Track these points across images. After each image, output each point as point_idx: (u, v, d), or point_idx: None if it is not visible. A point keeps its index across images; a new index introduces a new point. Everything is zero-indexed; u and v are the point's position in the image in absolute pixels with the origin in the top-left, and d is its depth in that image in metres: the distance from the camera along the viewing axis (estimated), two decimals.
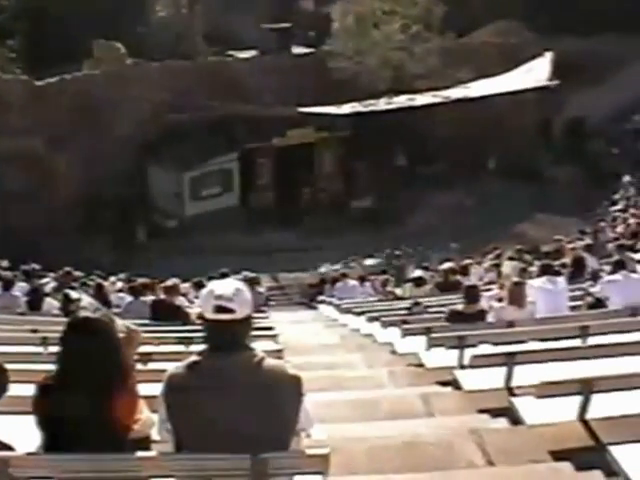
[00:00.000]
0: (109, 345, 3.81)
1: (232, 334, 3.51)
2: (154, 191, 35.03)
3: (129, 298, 12.32)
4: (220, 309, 3.48)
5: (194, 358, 3.54)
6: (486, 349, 7.60)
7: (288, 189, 36.12)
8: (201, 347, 3.63)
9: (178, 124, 33.54)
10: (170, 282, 11.75)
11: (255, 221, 34.11)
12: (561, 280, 10.69)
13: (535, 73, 34.64)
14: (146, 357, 6.91)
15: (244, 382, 3.47)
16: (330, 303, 19.31)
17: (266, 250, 31.67)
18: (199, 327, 3.69)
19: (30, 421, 3.83)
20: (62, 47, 33.32)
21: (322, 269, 29.65)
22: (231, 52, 38.98)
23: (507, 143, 36.46)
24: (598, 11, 36.71)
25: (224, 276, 14.47)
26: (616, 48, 35.95)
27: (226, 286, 3.55)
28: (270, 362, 3.55)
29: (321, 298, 22.02)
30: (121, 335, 4.40)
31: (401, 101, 35.03)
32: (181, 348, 8.34)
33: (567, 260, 15.86)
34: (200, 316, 3.64)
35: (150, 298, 12.08)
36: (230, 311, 3.49)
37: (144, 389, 4.15)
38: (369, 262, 28.97)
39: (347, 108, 34.08)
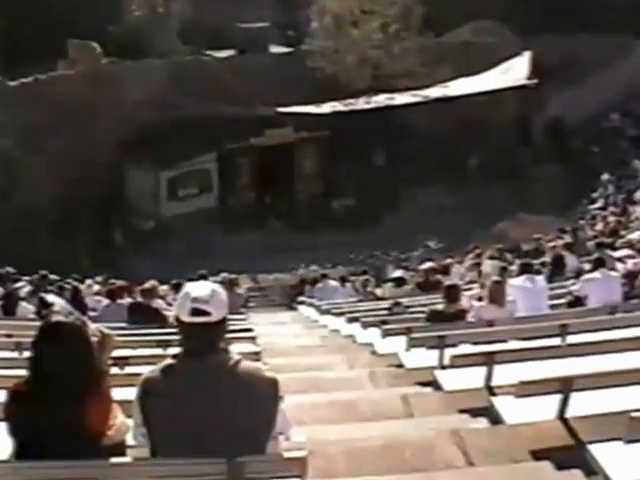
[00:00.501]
0: (81, 350, 3.78)
1: (208, 337, 3.51)
2: (131, 192, 34.85)
3: (106, 301, 12.24)
4: (196, 312, 3.47)
5: (169, 361, 3.53)
6: (466, 349, 7.62)
7: (267, 190, 36.09)
8: (177, 350, 3.61)
9: (155, 124, 33.36)
10: (148, 284, 11.69)
11: (234, 222, 34.03)
12: (540, 279, 10.75)
13: (514, 72, 34.79)
14: (122, 361, 6.86)
15: (220, 385, 3.46)
16: (310, 304, 19.30)
17: (245, 251, 31.61)
18: (177, 330, 3.67)
19: (2, 428, 3.79)
20: (36, 47, 33.07)
21: (301, 270, 29.66)
22: (208, 51, 38.87)
23: (487, 142, 36.60)
24: (577, 10, 36.96)
25: (202, 278, 14.45)
26: (595, 47, 36.18)
27: (202, 288, 3.54)
28: (246, 364, 3.55)
29: (301, 299, 22.00)
30: (94, 339, 4.36)
31: (380, 100, 35.09)
32: (159, 351, 8.30)
33: (547, 259, 15.96)
34: (176, 319, 3.62)
35: (127, 301, 12.01)
36: (206, 314, 3.48)
37: (120, 393, 4.11)
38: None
39: (326, 108, 34.09)
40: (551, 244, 17.93)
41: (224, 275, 17.34)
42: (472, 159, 37.73)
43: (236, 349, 8.28)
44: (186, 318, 3.49)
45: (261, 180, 36.08)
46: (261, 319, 17.07)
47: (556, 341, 7.87)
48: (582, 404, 5.52)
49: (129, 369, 6.70)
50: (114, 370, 6.24)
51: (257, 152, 35.68)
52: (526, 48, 35.18)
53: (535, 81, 33.66)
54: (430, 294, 13.61)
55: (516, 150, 37.96)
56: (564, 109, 37.73)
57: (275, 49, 39.56)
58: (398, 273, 18.17)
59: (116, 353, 6.41)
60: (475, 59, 35.97)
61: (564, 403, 5.56)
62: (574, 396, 5.52)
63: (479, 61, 35.62)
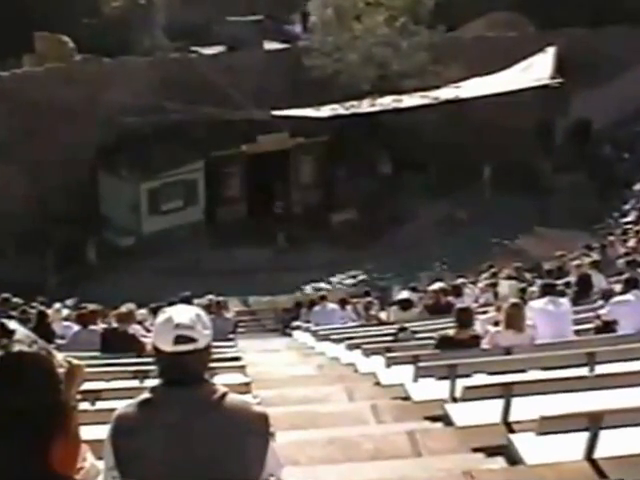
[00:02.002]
0: (45, 384, 3.71)
1: (192, 366, 3.47)
2: (107, 204, 34.86)
3: (76, 327, 12.20)
4: (182, 339, 3.44)
5: (146, 395, 3.47)
6: (481, 379, 7.58)
7: (260, 202, 36.11)
8: (156, 382, 3.57)
9: (135, 129, 33.42)
10: (124, 308, 11.66)
11: (223, 238, 34.00)
12: (565, 301, 10.71)
13: (535, 71, 34.92)
14: (94, 395, 6.81)
15: (204, 422, 3.41)
16: (306, 329, 19.28)
17: (235, 271, 31.54)
18: (155, 360, 3.63)
19: None
20: None
21: (296, 292, 29.70)
22: (195, 48, 39.02)
23: (504, 149, 36.64)
24: (606, 0, 37.04)
25: (186, 301, 14.40)
26: (626, 42, 36.26)
27: (184, 313, 3.51)
28: (233, 398, 3.50)
29: (296, 324, 21.98)
30: (61, 371, 4.31)
31: (386, 102, 35.18)
32: (135, 384, 8.25)
33: (571, 279, 15.95)
34: (155, 349, 3.57)
35: (101, 327, 11.97)
36: (192, 340, 3.45)
37: (90, 432, 4.06)
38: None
39: (326, 110, 34.16)
40: (576, 262, 17.92)
41: (211, 297, 17.35)
42: (487, 167, 37.77)
43: (223, 380, 8.22)
44: (169, 347, 3.45)
45: (253, 191, 36.09)
46: (251, 346, 17.06)
47: (582, 371, 7.82)
48: (612, 443, 5.46)
49: (101, 404, 6.65)
50: (84, 405, 6.19)
51: (249, 160, 35.71)
52: (549, 43, 35.31)
53: (559, 80, 33.79)
54: (440, 318, 13.60)
55: (536, 157, 38.04)
56: (591, 111, 37.82)
57: (269, 45, 39.70)
58: (404, 294, 18.16)
59: (87, 386, 6.37)
60: (491, 56, 36.08)
61: (592, 442, 5.50)
62: (603, 434, 5.47)
63: (496, 58, 35.72)
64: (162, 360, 3.50)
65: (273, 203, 36.78)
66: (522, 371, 7.82)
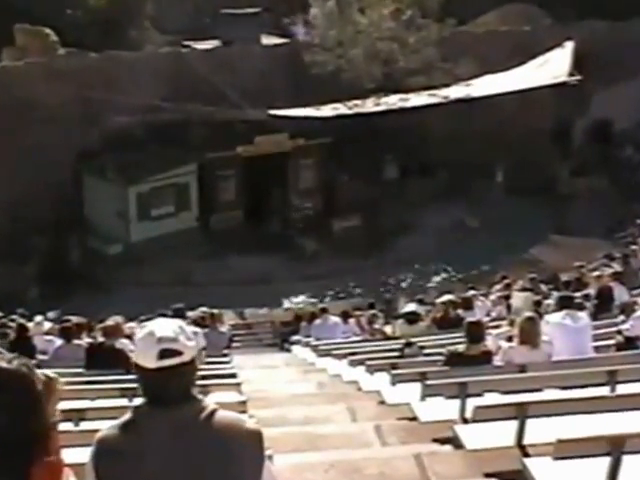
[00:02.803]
0: (26, 402, 3.70)
1: (180, 382, 3.46)
2: (93, 210, 34.84)
3: (59, 342, 12.18)
4: (166, 353, 3.43)
5: (129, 416, 3.47)
6: (493, 399, 7.57)
7: (257, 207, 36.11)
8: (140, 401, 3.56)
9: (123, 128, 33.47)
10: (111, 321, 11.65)
11: (217, 246, 34.01)
12: (583, 315, 10.68)
13: (552, 67, 34.89)
14: (78, 414, 6.79)
15: (192, 442, 3.40)
16: (306, 344, 19.28)
17: (230, 281, 31.52)
18: (138, 378, 3.61)
19: None
20: None
21: (294, 303, 29.68)
22: (188, 42, 39.05)
23: (518, 151, 36.68)
24: None
25: (178, 314, 14.40)
26: None
27: (165, 326, 3.50)
28: (223, 415, 3.48)
29: (296, 338, 21.98)
30: (40, 387, 4.29)
31: (392, 102, 35.19)
32: (123, 402, 8.23)
33: (591, 291, 15.94)
34: (136, 366, 3.56)
35: (86, 341, 11.95)
36: (177, 354, 3.44)
37: (73, 455, 4.05)
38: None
39: (328, 110, 34.17)
40: (596, 273, 17.89)
41: (204, 309, 17.31)
42: (500, 171, 37.79)
43: (217, 398, 8.21)
44: (153, 363, 3.44)
45: (250, 196, 36.09)
46: (248, 362, 17.04)
47: (603, 391, 7.81)
48: (636, 469, 5.44)
49: (85, 424, 6.63)
50: (67, 426, 6.17)
51: (245, 163, 35.72)
52: (567, 37, 35.31)
53: (577, 77, 33.76)
54: (449, 332, 13.62)
55: (553, 160, 38.05)
56: (612, 110, 37.83)
57: (267, 40, 39.75)
58: (411, 307, 18.09)
59: (71, 405, 6.34)
60: (504, 52, 36.12)
61: (614, 468, 5.47)
62: (626, 459, 5.44)
63: (509, 54, 35.75)
64: (145, 378, 3.49)
65: (270, 210, 36.75)
66: (537, 390, 7.80)
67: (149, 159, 33.47)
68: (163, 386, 3.45)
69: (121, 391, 8.82)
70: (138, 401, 3.61)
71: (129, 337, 13.30)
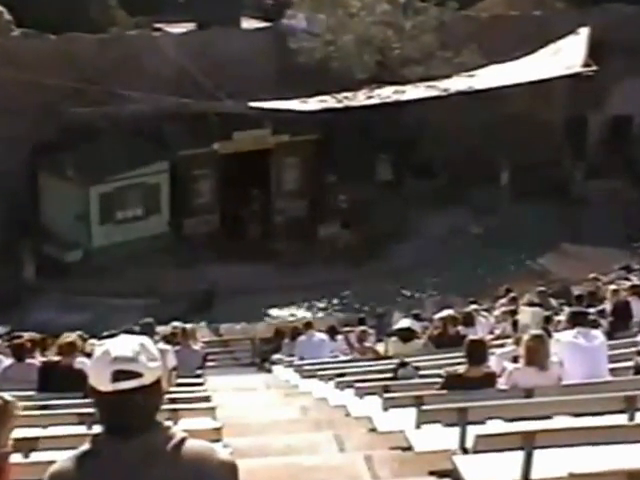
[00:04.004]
0: None
1: (139, 408, 3.43)
2: (49, 212, 34.74)
3: (8, 361, 12.10)
4: (121, 375, 3.39)
5: (87, 446, 3.44)
6: (496, 427, 7.56)
7: (235, 211, 36.09)
8: (97, 430, 3.52)
9: (84, 121, 33.34)
10: (69, 338, 11.56)
11: (191, 254, 33.98)
12: (598, 334, 10.68)
13: (565, 56, 35.02)
14: (28, 444, 6.74)
15: (157, 475, 3.37)
16: (289, 364, 19.26)
17: (205, 292, 31.50)
18: (95, 403, 3.58)
19: None
20: None
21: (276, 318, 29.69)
22: (159, 25, 39.01)
23: (526, 150, 36.75)
24: None
25: (145, 328, 14.34)
26: None
27: (124, 344, 3.47)
28: (193, 445, 3.47)
29: (277, 357, 21.96)
30: None
31: (386, 94, 35.25)
32: (81, 430, 8.18)
33: (607, 307, 15.95)
34: (91, 390, 3.53)
35: (39, 360, 11.87)
36: (135, 376, 3.40)
37: None
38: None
39: (315, 103, 34.21)
40: (612, 287, 17.90)
41: (176, 324, 17.26)
42: (506, 172, 37.86)
43: (188, 425, 8.18)
44: (107, 386, 3.41)
45: (227, 198, 36.07)
46: (223, 384, 16.99)
47: (620, 419, 7.79)
48: None
49: (37, 456, 6.57)
50: (16, 457, 6.11)
51: (222, 161, 35.73)
52: (582, 23, 35.42)
53: (593, 68, 33.87)
54: (448, 352, 13.61)
55: (565, 160, 38.14)
56: (631, 105, 37.95)
57: (248, 24, 39.77)
58: (406, 323, 18.09)
59: (20, 433, 6.27)
60: (512, 39, 36.20)
61: None
62: None
63: (517, 42, 35.85)
64: (101, 403, 3.47)
65: (251, 213, 36.75)
66: (546, 417, 7.78)
67: (114, 155, 33.34)
68: (121, 412, 3.42)
69: (79, 417, 8.75)
70: (97, 429, 3.58)
71: (89, 355, 13.26)
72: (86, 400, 9.76)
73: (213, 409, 9.73)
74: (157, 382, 3.49)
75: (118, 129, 33.53)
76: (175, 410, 8.70)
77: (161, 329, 17.37)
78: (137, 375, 3.41)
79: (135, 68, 34.78)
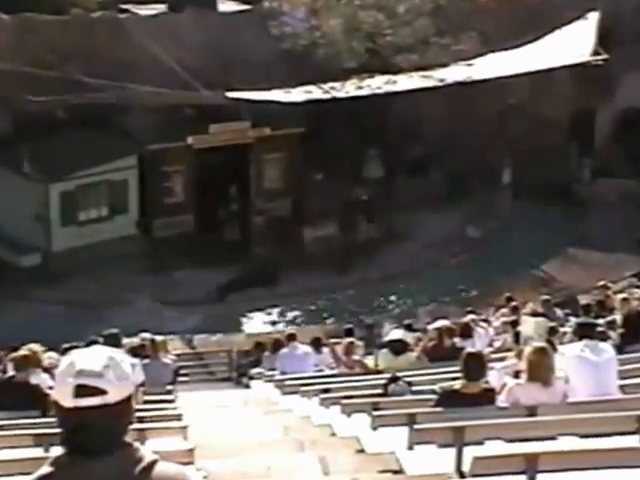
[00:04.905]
0: None
1: (103, 428, 3.40)
2: (3, 212, 34.52)
3: None
4: (84, 390, 3.36)
5: (46, 469, 3.41)
6: (496, 448, 7.55)
7: (211, 211, 36.04)
8: (59, 451, 3.47)
9: (43, 111, 33.23)
10: (25, 350, 11.54)
11: (162, 258, 33.94)
12: (607, 347, 10.70)
13: (572, 44, 35.07)
14: None
15: None
16: (270, 379, 19.28)
17: (178, 301, 31.47)
18: (57, 420, 3.55)
19: None
20: None
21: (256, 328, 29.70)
22: (127, 6, 38.93)
23: (529, 146, 36.83)
24: None
25: (110, 340, 14.27)
26: None
27: (92, 357, 3.43)
28: (164, 468, 3.45)
29: (257, 371, 22.00)
30: None
31: (377, 84, 35.27)
32: (38, 453, 8.13)
33: (616, 317, 15.98)
34: (55, 404, 3.50)
35: None
36: (99, 392, 3.37)
37: None
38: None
39: (299, 94, 34.20)
40: (623, 296, 17.96)
41: (145, 336, 17.26)
42: (507, 170, 37.92)
43: (157, 446, 8.14)
44: (69, 401, 3.38)
45: (202, 197, 36.04)
46: (197, 400, 17.01)
47: (631, 441, 7.80)
48: None
49: None
50: None
51: (197, 156, 35.69)
52: (591, 8, 35.49)
53: (603, 56, 33.94)
54: (444, 366, 13.59)
55: (571, 158, 38.22)
56: None
57: (225, 6, 39.74)
58: (398, 334, 18.16)
59: None
60: (514, 25, 36.29)
61: None
62: None
63: (520, 28, 35.93)
64: (63, 420, 3.43)
65: (228, 214, 36.71)
66: (551, 438, 7.78)
67: (76, 150, 33.23)
68: (82, 431, 3.39)
69: (35, 438, 8.70)
70: (57, 451, 3.56)
71: (48, 370, 13.22)
72: (43, 419, 9.74)
73: (185, 428, 9.73)
74: (126, 401, 3.45)
75: (81, 120, 33.40)
76: (142, 430, 8.67)
77: (127, 341, 17.33)
78: (101, 392, 3.37)
79: (99, 53, 34.65)
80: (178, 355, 22.86)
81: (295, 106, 33.96)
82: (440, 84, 35.03)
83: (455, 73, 35.28)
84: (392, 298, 32.58)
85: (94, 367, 3.40)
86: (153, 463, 3.43)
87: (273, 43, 35.48)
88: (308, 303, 31.98)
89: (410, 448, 8.76)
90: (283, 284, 32.77)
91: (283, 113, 34.61)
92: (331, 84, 35.04)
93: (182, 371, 21.19)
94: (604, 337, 11.93)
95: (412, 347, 16.45)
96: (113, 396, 3.40)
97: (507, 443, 7.59)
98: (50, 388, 11.29)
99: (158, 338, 17.07)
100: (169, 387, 15.20)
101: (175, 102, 33.95)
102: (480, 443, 7.85)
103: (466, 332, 16.81)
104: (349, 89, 35.09)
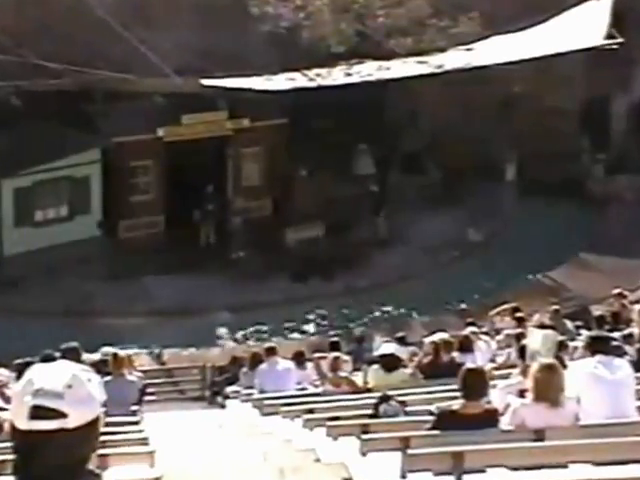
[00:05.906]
0: None
1: (62, 454, 3.35)
2: None
3: None
4: (40, 412, 3.31)
5: None
6: (500, 476, 7.50)
7: (184, 211, 36.01)
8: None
9: None
10: None
11: (129, 263, 33.90)
12: (623, 363, 10.70)
13: (583, 26, 35.16)
14: None
15: None
16: (247, 398, 19.27)
17: (147, 310, 31.46)
18: (13, 444, 3.51)
19: None
20: None
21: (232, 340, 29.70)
22: None
23: (535, 139, 36.92)
24: None
25: (68, 354, 14.26)
26: None
27: (54, 374, 3.39)
28: None
29: (233, 389, 22.00)
30: None
31: (368, 71, 35.32)
32: None
33: (634, 330, 16.00)
34: (12, 427, 3.46)
35: None
36: (58, 415, 3.32)
37: None
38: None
39: (282, 81, 34.22)
40: (639, 306, 18.00)
41: (107, 350, 17.23)
42: (511, 167, 38.00)
43: (121, 474, 8.13)
44: (23, 423, 3.33)
45: (174, 195, 36.01)
46: (166, 422, 16.97)
47: None
48: None
49: None
50: None
51: (168, 150, 35.68)
52: None
53: (618, 41, 34.01)
54: (441, 383, 13.63)
55: (583, 152, 38.33)
56: None
57: None
58: (389, 348, 18.13)
59: None
60: (518, 5, 36.37)
61: None
62: None
63: (526, 9, 36.02)
64: (17, 444, 3.38)
65: (203, 214, 36.69)
66: (560, 466, 7.75)
67: (32, 142, 33.15)
68: (37, 459, 3.35)
69: None
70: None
71: None
72: None
73: (152, 454, 9.70)
74: (89, 425, 3.40)
75: (37, 109, 33.32)
76: (104, 455, 8.61)
77: (88, 356, 17.31)
78: (60, 414, 3.33)
79: (59, 34, 34.58)
80: (145, 372, 22.84)
81: (277, 95, 33.98)
82: (437, 71, 35.07)
83: (454, 58, 35.35)
84: (384, 308, 32.51)
85: (54, 386, 3.34)
86: None
87: (253, 24, 35.45)
88: (290, 312, 31.92)
89: (403, 476, 8.73)
90: (263, 291, 32.72)
91: (264, 102, 34.67)
92: (317, 71, 35.07)
93: (149, 389, 21.12)
94: (620, 352, 11.92)
95: (405, 363, 16.50)
96: (74, 420, 3.34)
97: (511, 471, 7.56)
98: (0, 409, 11.27)
99: (122, 353, 17.05)
100: (134, 407, 15.14)
101: (144, 89, 33.91)
102: (481, 470, 7.83)
103: (466, 346, 16.87)
104: (337, 76, 35.13)
